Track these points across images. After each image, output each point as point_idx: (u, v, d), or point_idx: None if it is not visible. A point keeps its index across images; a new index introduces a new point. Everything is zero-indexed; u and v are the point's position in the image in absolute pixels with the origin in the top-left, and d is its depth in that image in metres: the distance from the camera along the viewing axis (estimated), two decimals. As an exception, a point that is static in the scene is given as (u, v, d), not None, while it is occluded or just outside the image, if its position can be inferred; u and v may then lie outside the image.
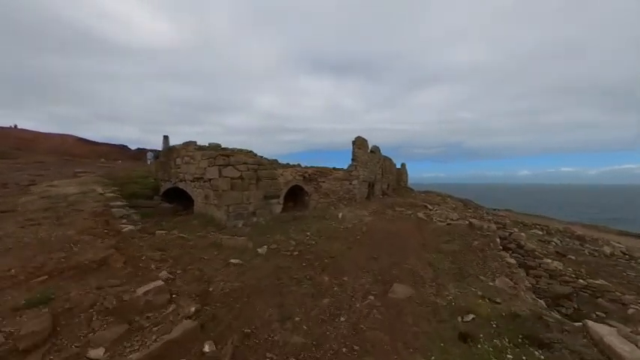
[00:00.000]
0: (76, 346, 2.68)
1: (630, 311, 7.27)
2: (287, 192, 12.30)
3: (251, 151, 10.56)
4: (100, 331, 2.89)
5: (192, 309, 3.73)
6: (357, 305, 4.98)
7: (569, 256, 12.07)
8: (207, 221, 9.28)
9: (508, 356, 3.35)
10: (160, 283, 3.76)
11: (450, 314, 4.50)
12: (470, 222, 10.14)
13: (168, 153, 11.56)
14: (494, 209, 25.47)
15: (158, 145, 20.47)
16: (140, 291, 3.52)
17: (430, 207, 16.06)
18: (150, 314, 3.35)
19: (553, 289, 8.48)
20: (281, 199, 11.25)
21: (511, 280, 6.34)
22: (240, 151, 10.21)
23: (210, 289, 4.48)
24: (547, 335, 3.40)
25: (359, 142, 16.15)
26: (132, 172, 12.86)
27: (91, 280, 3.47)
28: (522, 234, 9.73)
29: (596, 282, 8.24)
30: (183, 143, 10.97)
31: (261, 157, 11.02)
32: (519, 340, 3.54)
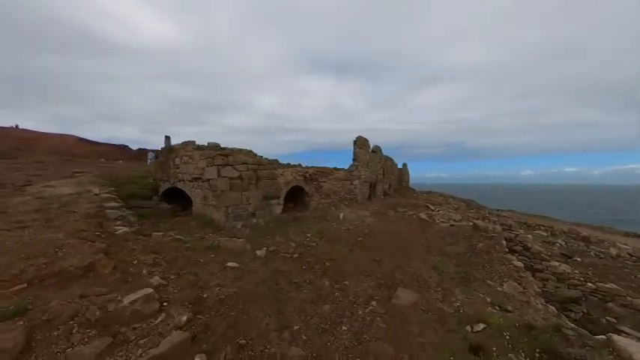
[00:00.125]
0: (52, 363, 2.42)
1: (642, 317, 6.96)
2: (287, 192, 12.03)
3: (250, 151, 10.29)
4: (80, 346, 2.62)
5: (184, 318, 3.46)
6: (360, 312, 4.69)
7: (575, 258, 11.72)
8: (206, 222, 9.02)
9: (525, 373, 3.07)
10: (149, 290, 3.49)
11: (458, 323, 4.21)
12: (474, 223, 9.83)
13: (167, 153, 11.32)
14: (498, 210, 25.07)
15: (159, 146, 20.26)
16: (127, 300, 3.25)
17: (432, 207, 15.75)
18: (137, 325, 3.08)
19: (561, 293, 8.16)
20: (281, 200, 10.97)
21: (519, 284, 6.04)
22: (240, 150, 9.95)
23: (205, 296, 4.21)
24: (568, 351, 3.10)
25: (360, 142, 15.86)
26: (131, 172, 12.63)
27: (75, 288, 3.21)
28: (529, 236, 9.41)
29: (606, 286, 7.91)
30: (182, 143, 10.72)
31: (261, 156, 10.75)
32: (537, 355, 3.24)
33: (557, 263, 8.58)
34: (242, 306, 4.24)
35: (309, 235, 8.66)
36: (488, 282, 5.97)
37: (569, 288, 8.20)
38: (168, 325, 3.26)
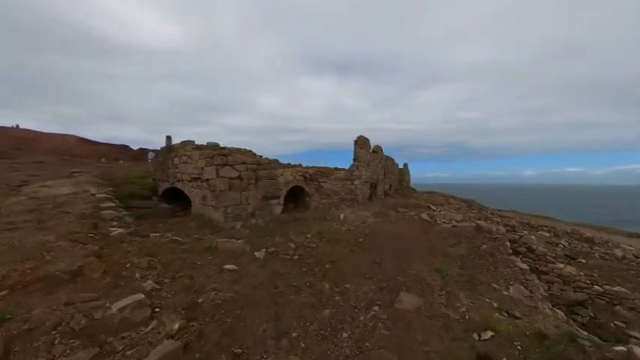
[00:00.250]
0: (31, 377, 2.24)
1: (652, 321, 6.72)
2: (287, 193, 11.83)
3: (250, 151, 10.10)
4: (62, 358, 2.43)
5: (176, 326, 3.26)
6: (361, 318, 4.48)
7: (580, 260, 11.46)
8: (205, 223, 8.83)
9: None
10: (140, 296, 3.30)
11: (465, 330, 4.00)
12: (477, 224, 9.60)
13: (166, 152, 11.14)
14: (500, 210, 24.77)
15: (161, 146, 20.12)
16: (116, 306, 3.06)
17: (434, 208, 15.50)
18: (125, 334, 2.89)
19: (567, 296, 7.92)
20: (281, 200, 10.77)
21: (526, 287, 5.82)
22: (239, 150, 9.76)
23: (200, 301, 4.01)
24: (584, 363, 2.89)
25: (361, 142, 15.64)
26: (130, 172, 12.46)
27: (61, 295, 3.02)
28: (533, 237, 9.17)
29: (613, 288, 7.67)
30: (181, 142, 10.54)
31: (261, 156, 10.56)
32: (551, 367, 3.04)
33: (562, 265, 8.34)
34: (239, 311, 4.04)
35: (309, 235, 8.46)
36: (494, 285, 5.75)
37: (575, 291, 7.96)
38: (159, 333, 3.07)
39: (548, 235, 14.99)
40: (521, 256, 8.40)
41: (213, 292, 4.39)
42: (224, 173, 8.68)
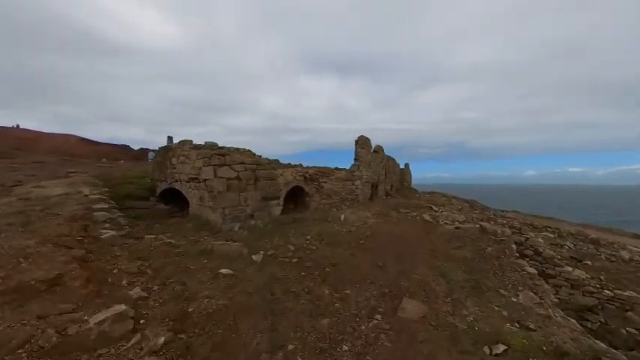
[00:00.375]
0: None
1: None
2: (288, 193, 11.54)
3: (249, 151, 9.80)
4: (27, 381, 2.14)
5: (161, 340, 2.97)
6: (362, 327, 4.17)
7: (586, 262, 11.07)
8: (202, 224, 8.55)
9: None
10: (121, 307, 3.00)
11: (474, 343, 3.67)
12: (481, 226, 9.25)
13: (164, 152, 10.88)
14: (503, 210, 24.33)
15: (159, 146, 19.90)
16: (94, 319, 2.77)
17: (435, 208, 15.16)
18: (103, 351, 2.60)
19: (575, 301, 7.56)
20: (281, 201, 10.47)
21: (535, 294, 5.48)
22: (238, 150, 9.47)
23: (190, 310, 3.72)
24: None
25: (362, 142, 15.31)
26: (128, 172, 12.21)
27: (34, 307, 2.74)
28: (540, 239, 8.80)
29: (624, 293, 7.30)
30: (179, 142, 10.27)
31: (260, 156, 10.26)
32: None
33: (570, 269, 7.97)
34: (231, 321, 3.75)
35: (308, 237, 8.16)
36: (502, 291, 5.41)
37: (584, 295, 7.60)
38: (141, 349, 2.78)
39: (552, 236, 14.59)
40: (527, 259, 8.04)
41: (206, 300, 4.10)
42: (222, 173, 8.39)
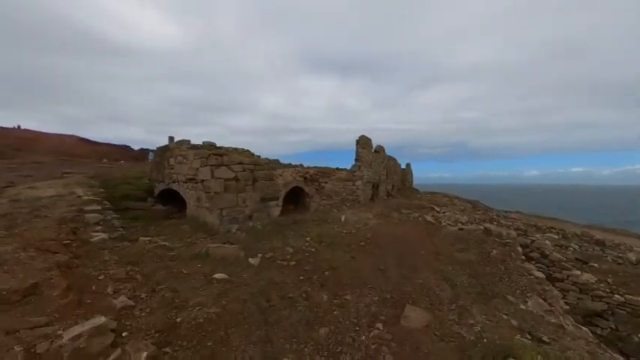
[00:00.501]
0: None
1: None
2: (287, 194, 11.28)
3: (247, 150, 9.55)
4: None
5: (143, 355, 2.71)
6: (362, 338, 3.89)
7: (592, 264, 10.71)
8: (199, 226, 8.30)
9: None
10: (101, 319, 2.74)
11: (483, 356, 3.38)
12: (485, 227, 8.94)
13: (162, 152, 10.64)
14: (506, 211, 23.91)
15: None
16: (69, 334, 2.51)
17: (438, 209, 14.83)
18: (77, 370, 2.34)
19: (584, 305, 7.24)
20: (280, 202, 10.21)
21: (544, 300, 5.17)
22: (236, 150, 9.22)
23: (178, 320, 3.45)
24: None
25: (363, 142, 15.01)
26: (126, 172, 11.99)
27: (3, 321, 2.48)
28: (547, 242, 8.48)
29: (636, 298, 6.96)
30: (177, 142, 10.04)
31: (259, 156, 10.01)
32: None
33: (579, 272, 7.64)
34: (222, 332, 3.48)
35: (308, 239, 7.89)
36: (509, 298, 5.11)
37: (592, 300, 7.27)
38: (120, 366, 2.52)
39: (556, 237, 14.21)
40: (533, 262, 7.73)
41: (197, 308, 3.83)
42: (219, 174, 8.14)
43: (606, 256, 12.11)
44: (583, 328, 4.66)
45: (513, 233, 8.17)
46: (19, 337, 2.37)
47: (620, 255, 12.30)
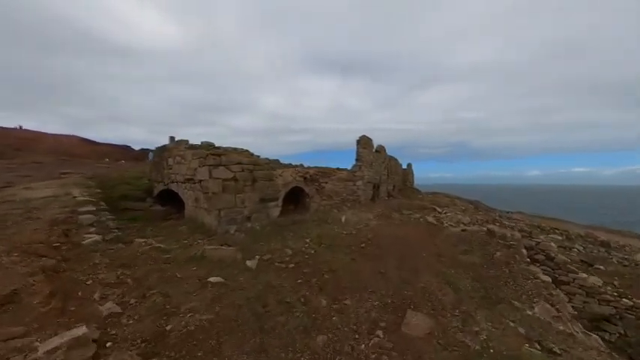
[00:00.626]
0: None
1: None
2: (287, 194, 11.08)
3: (247, 150, 9.36)
4: None
5: (127, 368, 2.52)
6: (362, 346, 3.68)
7: (597, 266, 10.44)
8: (197, 227, 8.13)
9: None
10: (81, 330, 2.55)
11: (489, 368, 3.18)
12: (488, 229, 8.69)
13: (161, 152, 10.49)
14: (508, 212, 23.56)
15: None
16: (46, 347, 2.32)
17: (439, 210, 14.57)
18: (52, 386, 2.15)
19: (590, 309, 6.98)
20: (279, 202, 10.01)
21: (552, 305, 4.94)
22: (235, 150, 9.03)
23: (168, 328, 3.26)
24: None
25: (363, 142, 14.78)
26: (125, 172, 11.84)
27: (-24, 331, 2.31)
28: (552, 244, 8.22)
29: (645, 302, 6.71)
30: (175, 142, 9.88)
31: (258, 156, 9.82)
32: None
33: (585, 275, 7.38)
34: (214, 341, 3.28)
35: (307, 240, 7.69)
36: (515, 303, 4.88)
37: (599, 304, 7.01)
38: (100, 381, 2.33)
39: (560, 238, 13.92)
40: (538, 265, 7.48)
41: (189, 315, 3.65)
42: (217, 174, 7.96)
43: (612, 258, 11.82)
44: (593, 335, 4.43)
45: (517, 235, 7.92)
46: (-10, 350, 2.19)
47: (626, 257, 12.01)
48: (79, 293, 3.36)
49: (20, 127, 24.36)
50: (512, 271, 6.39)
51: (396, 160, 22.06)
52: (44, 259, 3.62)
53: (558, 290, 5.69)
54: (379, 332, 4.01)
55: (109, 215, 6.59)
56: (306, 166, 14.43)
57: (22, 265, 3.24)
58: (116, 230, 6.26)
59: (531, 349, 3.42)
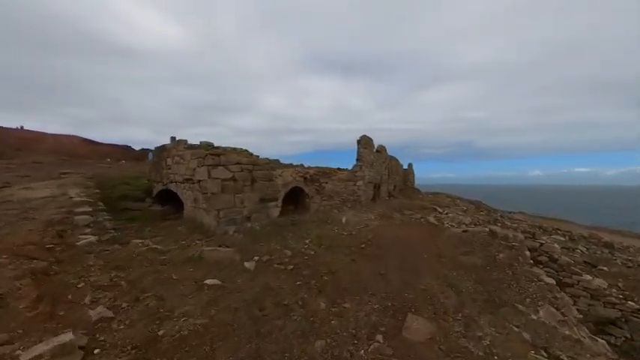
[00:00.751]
0: None
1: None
2: (287, 194, 10.95)
3: (246, 150, 9.24)
4: None
5: (115, 377, 2.39)
6: (361, 352, 3.54)
7: (601, 267, 10.24)
8: (196, 227, 8.02)
9: None
10: (68, 336, 2.44)
11: (494, 377, 3.04)
12: (490, 229, 8.52)
13: (160, 152, 10.40)
14: (510, 212, 23.31)
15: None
16: (28, 354, 2.20)
17: (440, 210, 14.42)
18: (33, 397, 2.03)
19: (595, 312, 6.80)
20: (279, 202, 9.89)
21: (557, 309, 4.78)
22: (234, 150, 8.91)
23: (160, 333, 3.14)
24: None
25: (364, 142, 14.63)
26: (125, 172, 11.76)
27: (-43, 338, 2.20)
28: (556, 245, 8.05)
29: (652, 305, 6.52)
30: (174, 142, 9.79)
31: (257, 156, 9.70)
32: None
33: (590, 277, 7.21)
34: (208, 347, 3.16)
35: (307, 241, 7.57)
36: (519, 307, 4.72)
37: (605, 307, 6.84)
38: (86, 391, 2.21)
39: (563, 239, 13.70)
40: (541, 266, 7.31)
41: (182, 319, 3.52)
42: (216, 174, 7.85)
43: (615, 259, 11.60)
44: (600, 340, 4.27)
45: (520, 236, 7.75)
46: (-31, 358, 2.07)
47: (630, 258, 11.78)
48: (69, 297, 3.24)
49: (21, 128, 24.41)
50: (515, 273, 6.23)
51: (396, 160, 21.90)
52: (35, 261, 3.52)
53: (563, 293, 5.53)
54: (379, 337, 3.87)
55: (107, 215, 6.49)
56: (306, 166, 14.31)
57: (11, 267, 3.13)
58: (113, 231, 6.16)
59: (537, 356, 3.27)
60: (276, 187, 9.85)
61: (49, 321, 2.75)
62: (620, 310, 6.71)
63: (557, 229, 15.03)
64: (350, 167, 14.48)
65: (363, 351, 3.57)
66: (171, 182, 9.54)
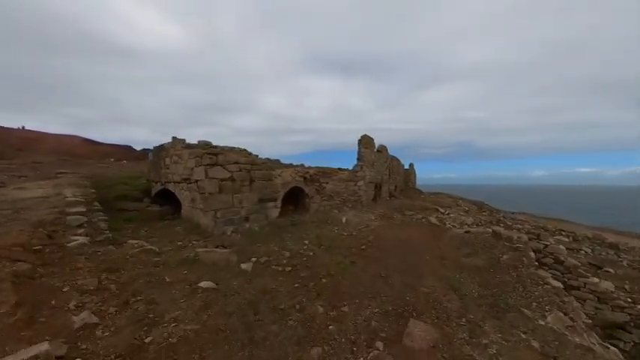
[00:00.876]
0: None
1: None
2: (287, 194, 10.77)
3: (244, 150, 9.08)
4: None
5: (94, 390, 2.21)
6: (360, 361, 3.36)
7: (606, 269, 9.96)
8: (193, 227, 7.86)
9: None
10: (43, 346, 2.25)
11: (501, 389, 2.83)
12: (494, 230, 8.29)
13: (158, 152, 10.25)
14: (513, 212, 23.00)
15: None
16: (-1, 367, 2.03)
17: (442, 210, 14.18)
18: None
19: (603, 316, 6.55)
20: (278, 203, 9.71)
21: (565, 314, 4.55)
22: (233, 149, 8.75)
23: (147, 341, 2.96)
24: None
25: (365, 141, 14.43)
26: (122, 172, 11.62)
27: None
28: (561, 247, 7.79)
29: (662, 309, 6.27)
30: (172, 141, 9.64)
31: (256, 156, 9.53)
32: None
33: (597, 280, 6.96)
34: (197, 355, 2.97)
35: (306, 241, 7.38)
36: (525, 312, 4.50)
37: (612, 310, 6.59)
38: (60, 406, 2.03)
39: (567, 240, 13.42)
40: (547, 268, 7.07)
41: (172, 325, 3.34)
42: (214, 174, 7.69)
43: (621, 261, 11.33)
44: (611, 347, 4.04)
45: (524, 237, 7.51)
46: None
47: (636, 259, 11.50)
48: (53, 302, 3.07)
49: (23, 128, 24.44)
50: (520, 275, 6.00)
51: (398, 160, 21.66)
52: (18, 263, 3.34)
53: (571, 297, 5.30)
54: (379, 344, 3.67)
55: (102, 216, 6.32)
56: (306, 166, 14.12)
57: (-9, 271, 2.97)
58: (107, 232, 5.98)
59: (548, 367, 3.07)
60: (275, 187, 9.68)
61: (26, 329, 2.57)
62: (629, 314, 6.46)
63: (561, 230, 14.74)
64: (350, 167, 14.29)
65: (362, 359, 3.37)
66: (170, 182, 9.40)
